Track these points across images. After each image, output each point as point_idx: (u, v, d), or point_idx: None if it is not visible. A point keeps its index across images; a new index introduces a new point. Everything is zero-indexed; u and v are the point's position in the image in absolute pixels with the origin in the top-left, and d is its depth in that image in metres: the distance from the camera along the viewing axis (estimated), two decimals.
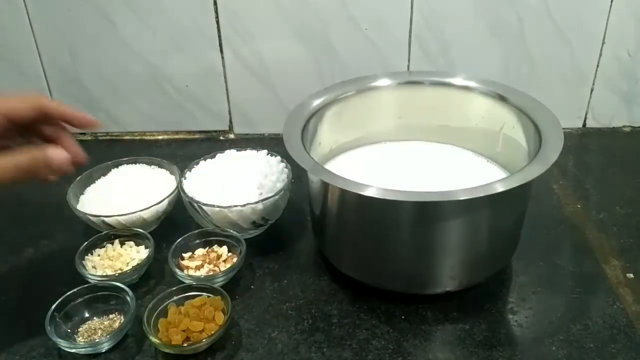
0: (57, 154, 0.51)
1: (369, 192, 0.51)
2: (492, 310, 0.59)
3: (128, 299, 0.57)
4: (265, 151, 0.72)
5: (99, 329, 0.57)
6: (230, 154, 0.72)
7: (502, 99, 0.66)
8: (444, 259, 0.56)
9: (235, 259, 0.63)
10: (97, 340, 0.55)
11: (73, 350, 0.55)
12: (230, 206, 0.63)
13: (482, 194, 0.50)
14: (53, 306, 0.56)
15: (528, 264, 0.64)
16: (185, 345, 0.53)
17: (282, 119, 0.62)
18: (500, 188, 0.51)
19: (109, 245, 0.65)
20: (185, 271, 0.61)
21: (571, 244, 0.67)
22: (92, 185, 0.72)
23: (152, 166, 0.74)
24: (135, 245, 0.65)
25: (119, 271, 0.61)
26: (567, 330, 0.56)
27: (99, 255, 0.64)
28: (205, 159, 0.71)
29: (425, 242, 0.55)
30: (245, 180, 0.67)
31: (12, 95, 0.52)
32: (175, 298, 0.58)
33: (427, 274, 0.57)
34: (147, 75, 0.87)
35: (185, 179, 0.68)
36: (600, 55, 0.84)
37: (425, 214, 0.54)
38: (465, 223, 0.54)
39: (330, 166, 0.68)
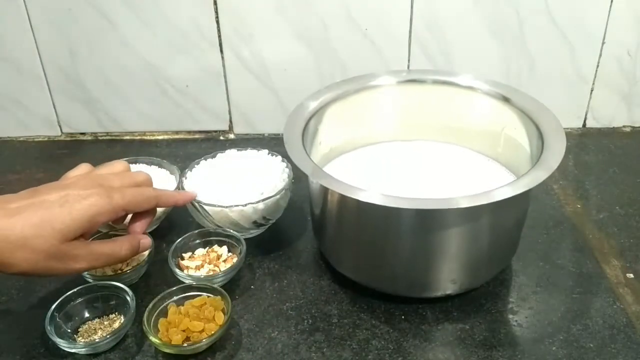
0: (145, 243, 0.59)
1: (369, 198, 0.51)
2: (492, 310, 0.59)
3: (128, 299, 0.57)
4: (266, 151, 0.72)
5: (99, 329, 0.57)
6: (231, 153, 0.72)
7: (505, 99, 0.65)
8: (444, 263, 0.56)
9: (235, 259, 0.63)
10: (97, 340, 0.55)
11: (73, 350, 0.55)
12: (231, 206, 0.63)
13: (484, 202, 0.50)
14: (53, 306, 0.56)
15: (528, 264, 0.64)
16: (185, 345, 0.53)
17: (282, 119, 0.62)
18: (502, 195, 0.50)
19: None
20: (185, 271, 0.61)
21: (571, 244, 0.67)
22: None
23: (152, 166, 0.74)
24: None
25: (119, 271, 0.61)
26: (567, 330, 0.56)
27: None
28: (206, 159, 0.71)
29: (426, 248, 0.55)
30: (246, 179, 0.67)
31: (131, 194, 0.55)
32: (175, 298, 0.58)
33: (427, 278, 0.57)
34: (147, 75, 0.87)
35: (185, 178, 0.68)
36: (600, 55, 0.84)
37: (426, 220, 0.54)
38: (466, 229, 0.54)
39: (331, 166, 0.68)
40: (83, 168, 0.58)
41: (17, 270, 0.50)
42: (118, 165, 0.60)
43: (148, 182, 0.60)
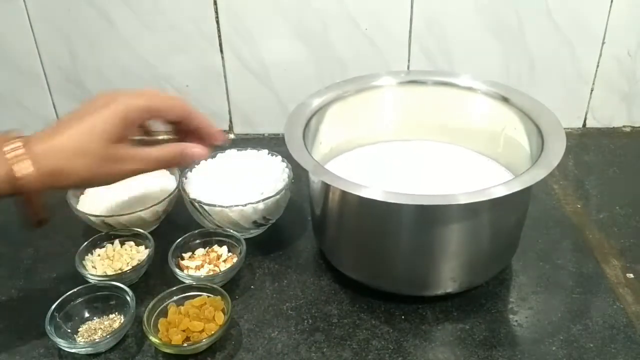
0: (196, 152, 0.57)
1: (370, 194, 0.51)
2: (492, 310, 0.59)
3: (128, 299, 0.57)
4: (266, 150, 0.72)
5: (99, 329, 0.57)
6: (231, 153, 0.72)
7: (505, 99, 0.66)
8: (444, 261, 0.56)
9: (235, 259, 0.63)
10: (97, 340, 0.55)
11: (73, 350, 0.55)
12: (231, 206, 0.63)
13: (484, 198, 0.50)
14: (53, 306, 0.56)
15: (528, 264, 0.64)
16: (185, 345, 0.53)
17: (282, 119, 0.62)
18: (502, 192, 0.50)
19: (109, 245, 0.65)
20: (185, 271, 0.61)
21: (571, 244, 0.67)
22: None
23: None
24: (135, 245, 0.65)
25: (119, 271, 0.61)
26: (567, 330, 0.56)
27: (99, 255, 0.64)
28: (206, 159, 0.71)
29: (426, 245, 0.55)
30: (246, 179, 0.67)
31: (160, 95, 0.56)
32: (175, 298, 0.58)
33: (428, 276, 0.57)
34: (147, 75, 0.87)
35: (186, 178, 0.68)
36: (600, 55, 0.84)
37: (427, 217, 0.54)
38: (467, 226, 0.54)
39: (331, 166, 0.68)
40: None
41: (82, 179, 0.52)
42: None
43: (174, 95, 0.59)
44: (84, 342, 0.55)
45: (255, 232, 0.68)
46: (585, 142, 0.88)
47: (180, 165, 0.60)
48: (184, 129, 0.58)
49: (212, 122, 0.59)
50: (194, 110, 0.58)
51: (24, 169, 0.49)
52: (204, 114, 0.59)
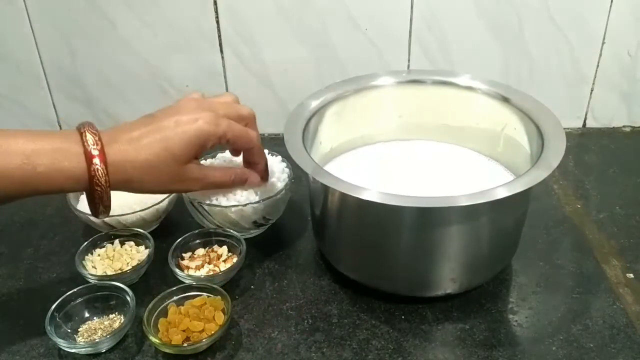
0: (254, 181, 0.62)
1: (369, 197, 0.51)
2: (492, 310, 0.59)
3: (128, 299, 0.57)
4: (266, 151, 0.72)
5: (99, 329, 0.57)
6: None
7: (505, 99, 0.66)
8: (444, 262, 0.56)
9: (235, 259, 0.63)
10: (97, 340, 0.55)
11: (73, 350, 0.55)
12: (231, 205, 0.63)
13: (484, 200, 0.50)
14: (53, 306, 0.56)
15: (528, 264, 0.64)
16: (185, 345, 0.53)
17: (282, 119, 0.63)
18: (502, 194, 0.50)
19: (109, 245, 0.65)
20: (185, 271, 0.61)
21: (571, 244, 0.67)
22: None
23: None
24: (135, 245, 0.65)
25: (119, 271, 0.61)
26: (567, 330, 0.56)
27: (99, 255, 0.64)
28: (206, 159, 0.71)
29: (426, 246, 0.55)
30: None
31: (237, 126, 0.57)
32: (175, 298, 0.58)
33: (428, 277, 0.57)
34: (147, 75, 0.87)
35: None
36: (600, 55, 0.84)
37: (426, 218, 0.54)
38: (467, 227, 0.54)
39: (331, 166, 0.68)
40: (193, 95, 0.60)
41: (147, 190, 0.56)
42: (227, 96, 0.61)
43: (251, 116, 0.61)
44: (84, 342, 0.55)
45: (255, 232, 0.68)
46: (585, 142, 0.88)
47: (236, 188, 0.63)
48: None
49: (264, 162, 0.63)
50: (257, 146, 0.60)
51: (97, 174, 0.51)
52: (261, 154, 0.62)
